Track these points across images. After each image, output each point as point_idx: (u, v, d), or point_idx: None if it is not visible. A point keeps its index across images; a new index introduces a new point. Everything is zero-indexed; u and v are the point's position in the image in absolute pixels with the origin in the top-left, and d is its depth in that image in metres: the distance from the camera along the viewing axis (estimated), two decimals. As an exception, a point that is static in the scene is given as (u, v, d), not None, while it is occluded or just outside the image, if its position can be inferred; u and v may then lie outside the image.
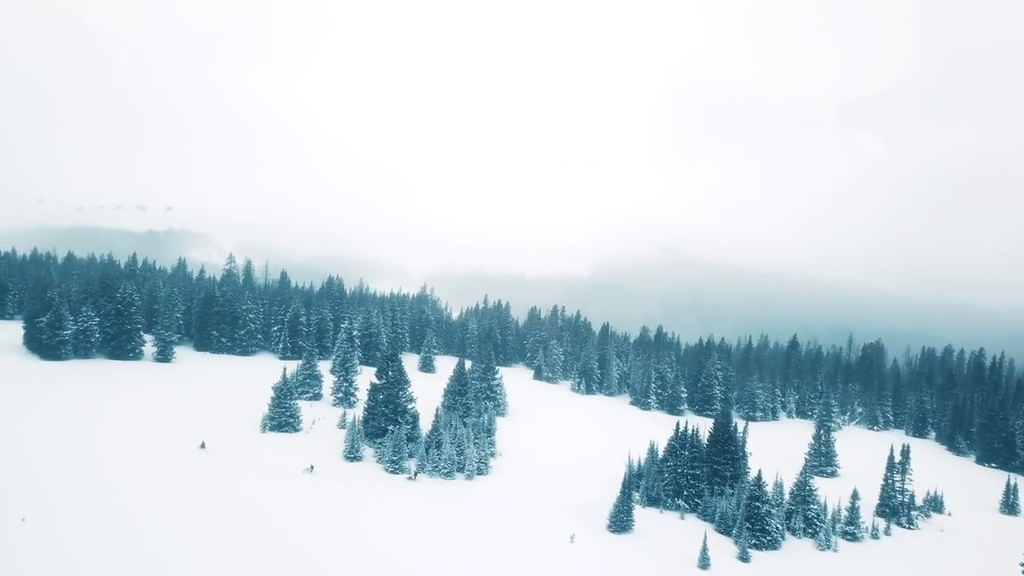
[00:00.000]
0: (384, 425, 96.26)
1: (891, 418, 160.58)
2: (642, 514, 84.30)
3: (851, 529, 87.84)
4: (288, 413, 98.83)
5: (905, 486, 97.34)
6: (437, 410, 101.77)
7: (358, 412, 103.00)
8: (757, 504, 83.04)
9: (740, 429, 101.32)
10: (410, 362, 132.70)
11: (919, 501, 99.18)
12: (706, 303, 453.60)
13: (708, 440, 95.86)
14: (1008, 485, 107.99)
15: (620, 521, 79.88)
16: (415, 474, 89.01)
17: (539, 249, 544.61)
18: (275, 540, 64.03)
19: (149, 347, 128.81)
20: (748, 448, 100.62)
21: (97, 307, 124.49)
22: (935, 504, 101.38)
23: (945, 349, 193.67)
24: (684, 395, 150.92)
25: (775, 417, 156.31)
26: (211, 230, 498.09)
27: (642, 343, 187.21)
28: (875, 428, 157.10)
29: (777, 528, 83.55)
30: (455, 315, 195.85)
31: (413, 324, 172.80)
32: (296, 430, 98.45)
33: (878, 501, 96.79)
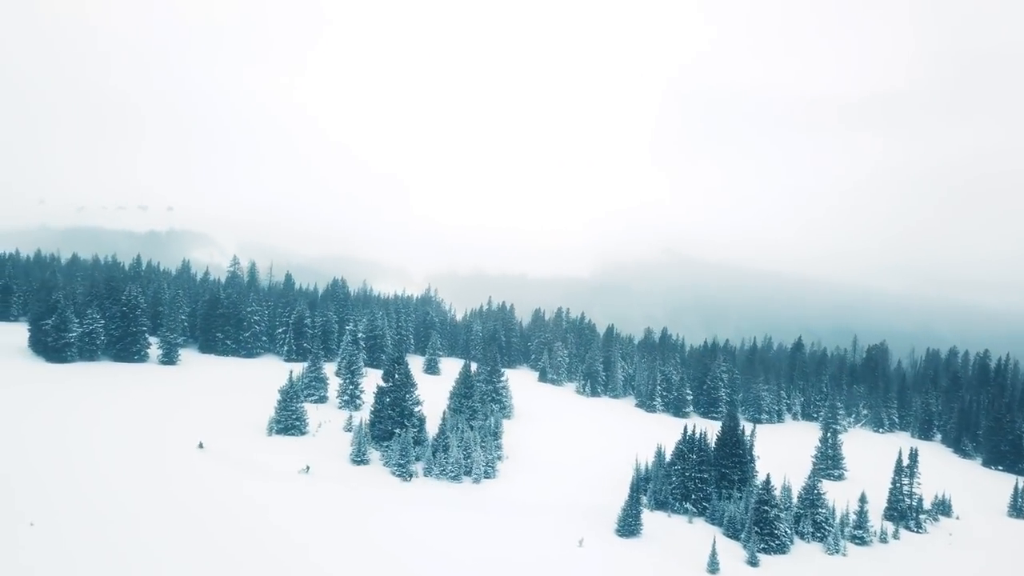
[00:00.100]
0: (391, 428, 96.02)
1: (896, 420, 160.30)
2: (650, 518, 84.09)
3: (860, 533, 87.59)
4: (294, 416, 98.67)
5: (913, 489, 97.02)
6: (444, 413, 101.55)
7: (364, 415, 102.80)
8: (766, 508, 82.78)
9: (748, 432, 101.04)
10: (415, 364, 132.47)
11: (927, 504, 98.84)
12: (708, 303, 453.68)
13: (716, 443, 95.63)
14: (1016, 488, 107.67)
15: (628, 525, 79.67)
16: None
17: (540, 249, 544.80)
18: (281, 544, 63.80)
19: (154, 349, 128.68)
20: (755, 451, 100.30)
21: (102, 309, 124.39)
22: (943, 508, 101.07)
23: (950, 351, 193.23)
24: (690, 397, 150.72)
25: (780, 419, 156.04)
26: (212, 230, 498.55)
27: (646, 345, 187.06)
28: (880, 430, 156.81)
29: (786, 532, 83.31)
30: (459, 316, 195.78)
31: (417, 326, 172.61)
32: (302, 433, 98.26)
33: (886, 505, 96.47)
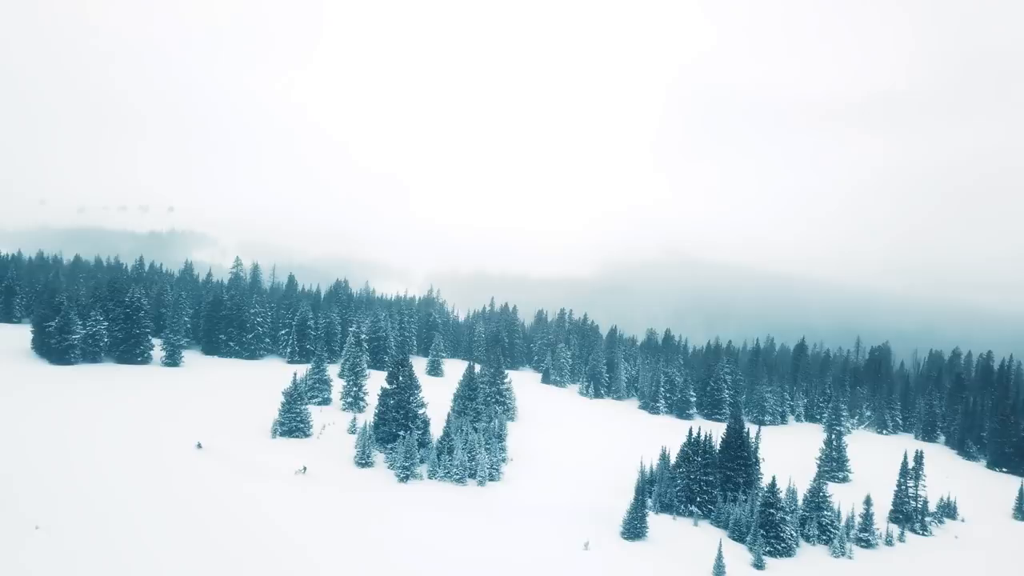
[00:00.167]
0: (395, 431, 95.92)
1: (900, 422, 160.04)
2: (655, 520, 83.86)
3: (865, 536, 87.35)
4: (299, 419, 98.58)
5: (918, 492, 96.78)
6: (448, 415, 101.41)
7: (367, 417, 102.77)
8: (772, 511, 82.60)
9: (752, 435, 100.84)
10: (418, 365, 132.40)
11: (932, 507, 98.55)
12: (710, 304, 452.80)
13: (721, 446, 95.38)
14: (1021, 491, 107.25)
15: (634, 528, 79.47)
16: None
17: (542, 250, 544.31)
18: (284, 546, 63.75)
19: (158, 351, 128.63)
20: (760, 454, 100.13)
21: (106, 311, 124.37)
22: (948, 510, 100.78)
23: (953, 352, 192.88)
24: (693, 399, 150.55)
25: (784, 421, 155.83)
26: (213, 231, 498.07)
27: (649, 346, 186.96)
28: (884, 432, 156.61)
29: (791, 535, 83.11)
30: (461, 317, 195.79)
31: (420, 327, 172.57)
32: (307, 435, 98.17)
33: (891, 507, 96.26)
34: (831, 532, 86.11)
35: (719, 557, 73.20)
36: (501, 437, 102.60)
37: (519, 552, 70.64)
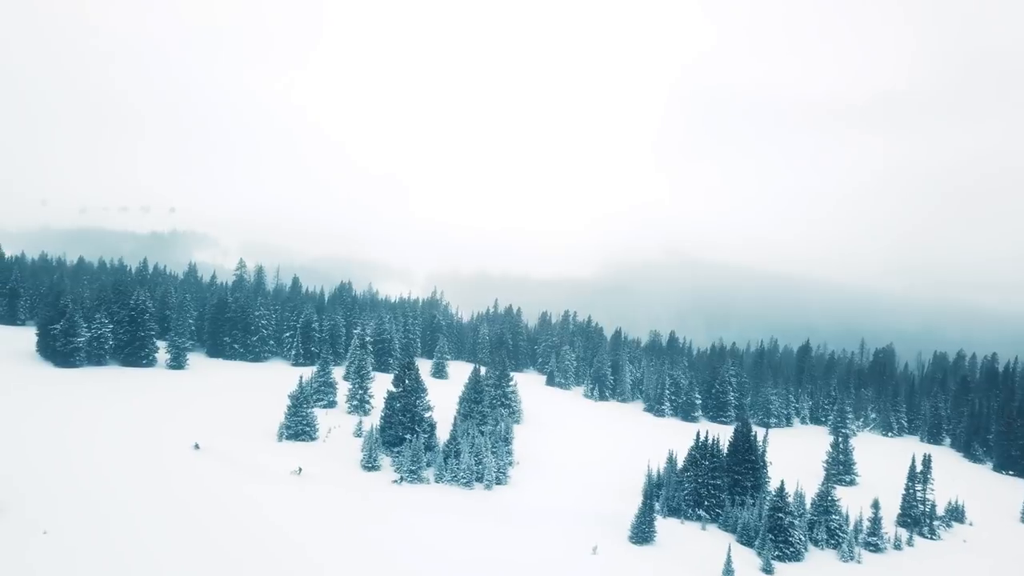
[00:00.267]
0: (401, 434, 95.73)
1: (905, 424, 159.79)
2: (663, 524, 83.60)
3: (874, 540, 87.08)
4: (304, 422, 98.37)
5: (927, 496, 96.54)
6: (455, 419, 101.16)
7: (373, 420, 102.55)
8: (780, 515, 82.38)
9: (759, 438, 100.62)
10: (422, 367, 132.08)
11: (940, 511, 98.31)
12: (711, 304, 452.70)
13: (728, 449, 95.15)
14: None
15: (642, 532, 79.23)
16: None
17: (543, 250, 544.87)
18: (293, 552, 63.50)
19: (162, 354, 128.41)
20: (768, 457, 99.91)
21: (111, 314, 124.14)
22: (956, 514, 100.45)
23: (957, 354, 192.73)
24: (698, 402, 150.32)
25: (789, 423, 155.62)
26: (214, 231, 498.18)
27: (654, 348, 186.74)
28: (889, 434, 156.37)
29: (800, 539, 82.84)
30: (464, 318, 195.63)
31: (424, 329, 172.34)
32: (313, 439, 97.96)
33: (899, 511, 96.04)
34: (840, 536, 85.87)
35: (728, 562, 72.96)
36: (507, 440, 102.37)
37: (529, 556, 70.45)
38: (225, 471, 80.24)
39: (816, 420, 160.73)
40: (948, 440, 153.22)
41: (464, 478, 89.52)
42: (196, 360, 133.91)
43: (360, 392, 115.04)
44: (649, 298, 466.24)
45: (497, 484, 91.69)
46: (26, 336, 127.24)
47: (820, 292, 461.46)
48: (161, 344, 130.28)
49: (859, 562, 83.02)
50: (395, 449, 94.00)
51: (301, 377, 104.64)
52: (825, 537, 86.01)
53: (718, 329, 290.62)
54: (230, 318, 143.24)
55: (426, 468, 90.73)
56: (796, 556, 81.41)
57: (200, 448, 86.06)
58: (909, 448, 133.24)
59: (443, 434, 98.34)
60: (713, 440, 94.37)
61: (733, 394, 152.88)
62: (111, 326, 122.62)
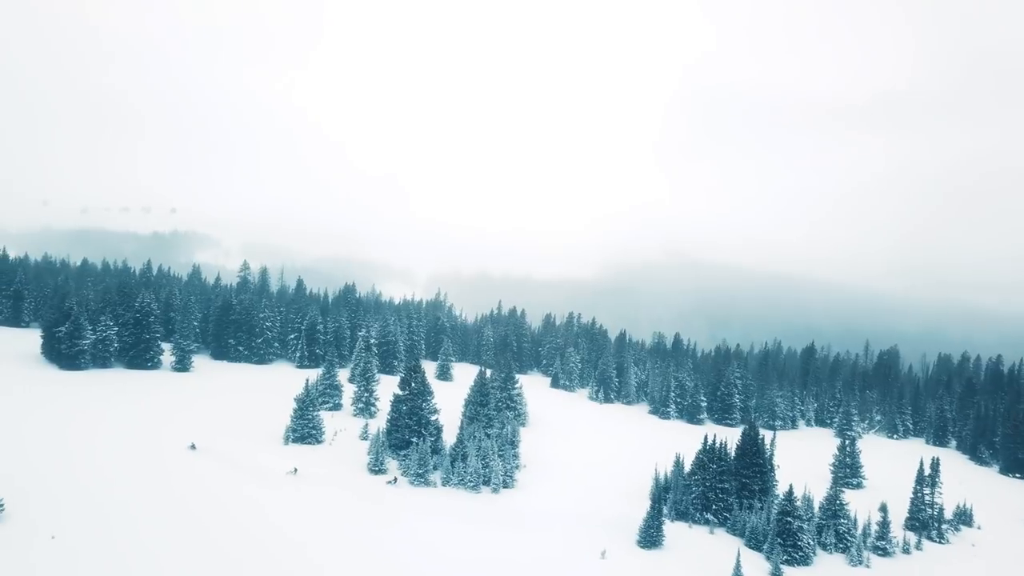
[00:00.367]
0: (408, 437, 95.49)
1: (911, 426, 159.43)
2: (671, 528, 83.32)
3: (882, 544, 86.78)
4: (311, 425, 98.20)
5: (935, 499, 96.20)
6: (461, 422, 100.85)
7: (379, 423, 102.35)
8: (789, 519, 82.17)
9: (767, 441, 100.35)
10: (427, 369, 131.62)
11: (948, 514, 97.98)
12: (712, 305, 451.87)
13: (736, 453, 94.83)
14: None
15: (650, 536, 78.97)
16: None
17: (544, 250, 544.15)
18: (295, 555, 63.31)
19: (167, 356, 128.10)
20: (775, 460, 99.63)
21: (115, 316, 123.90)
22: (965, 517, 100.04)
23: (962, 356, 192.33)
24: (704, 404, 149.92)
25: (794, 426, 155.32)
26: (215, 231, 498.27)
27: (658, 350, 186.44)
28: (895, 437, 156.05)
29: (809, 543, 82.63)
30: (468, 319, 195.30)
31: (428, 331, 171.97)
32: (319, 442, 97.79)
33: (907, 515, 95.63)
34: (848, 540, 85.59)
35: (738, 566, 72.66)
36: (514, 443, 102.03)
37: (538, 560, 70.25)
38: (230, 474, 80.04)
39: (821, 422, 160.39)
40: (954, 442, 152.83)
41: (471, 481, 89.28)
42: (201, 362, 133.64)
43: (366, 395, 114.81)
44: (651, 299, 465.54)
45: (504, 487, 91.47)
46: (31, 338, 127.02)
47: (822, 293, 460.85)
48: (166, 346, 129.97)
49: (868, 566, 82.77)
50: (402, 452, 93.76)
51: (307, 380, 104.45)
52: (834, 541, 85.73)
53: (720, 330, 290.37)
54: (234, 320, 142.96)
55: (433, 472, 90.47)
56: (805, 560, 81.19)
57: (195, 448, 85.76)
58: (915, 450, 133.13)
59: (449, 437, 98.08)
60: (721, 443, 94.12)
61: (738, 396, 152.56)
62: (116, 328, 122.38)
